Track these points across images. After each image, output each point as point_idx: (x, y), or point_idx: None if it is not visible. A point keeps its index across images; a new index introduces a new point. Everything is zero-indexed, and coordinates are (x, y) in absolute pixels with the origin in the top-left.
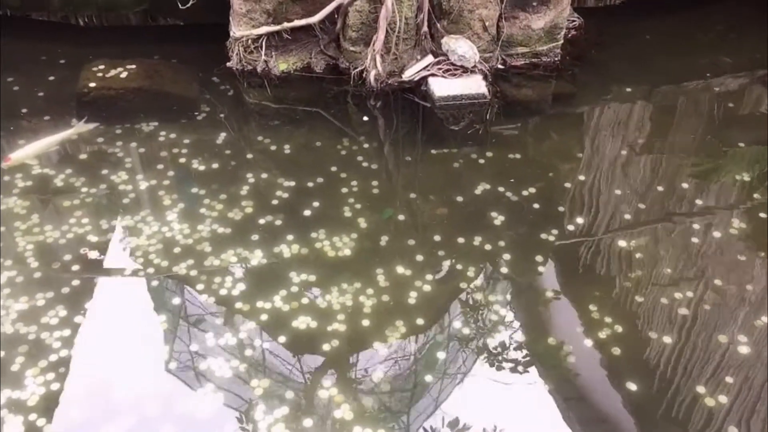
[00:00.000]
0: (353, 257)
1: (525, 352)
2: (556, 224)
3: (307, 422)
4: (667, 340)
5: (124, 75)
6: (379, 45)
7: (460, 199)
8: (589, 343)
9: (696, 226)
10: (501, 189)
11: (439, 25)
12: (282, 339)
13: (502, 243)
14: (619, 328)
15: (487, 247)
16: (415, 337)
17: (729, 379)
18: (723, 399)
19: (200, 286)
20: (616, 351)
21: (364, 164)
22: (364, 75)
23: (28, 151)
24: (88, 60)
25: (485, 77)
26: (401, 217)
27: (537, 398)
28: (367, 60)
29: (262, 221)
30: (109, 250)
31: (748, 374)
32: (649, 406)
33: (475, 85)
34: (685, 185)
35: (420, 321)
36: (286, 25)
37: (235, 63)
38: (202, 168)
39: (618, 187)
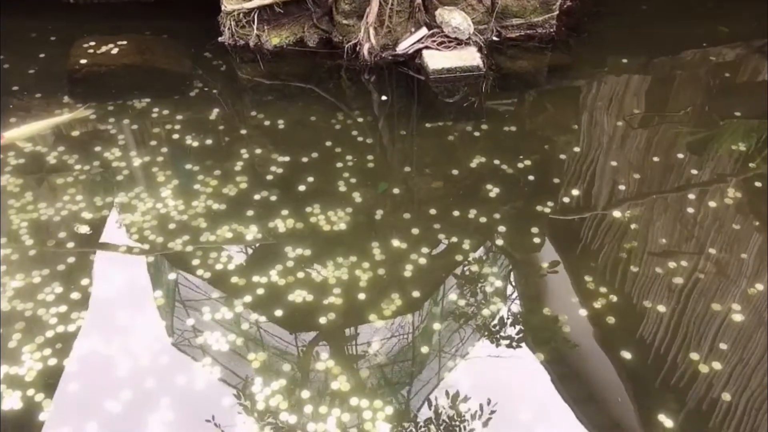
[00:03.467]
0: (348, 231)
1: (521, 322)
2: (551, 196)
3: (305, 394)
4: (662, 309)
5: (115, 51)
6: (372, 18)
7: (455, 172)
8: (584, 313)
9: (691, 196)
10: (496, 162)
11: None
12: (278, 313)
13: (497, 215)
14: (614, 298)
15: (483, 219)
16: (411, 309)
17: (723, 346)
18: (717, 365)
19: (196, 262)
20: (611, 320)
21: (359, 139)
22: (357, 49)
23: (22, 131)
24: (78, 37)
25: (480, 49)
26: (396, 191)
27: (532, 368)
28: (361, 33)
29: (256, 197)
30: (104, 227)
31: (742, 341)
32: (644, 373)
33: (469, 58)
34: (680, 155)
35: (416, 294)
36: None
37: (227, 38)
38: (195, 144)
39: (613, 159)
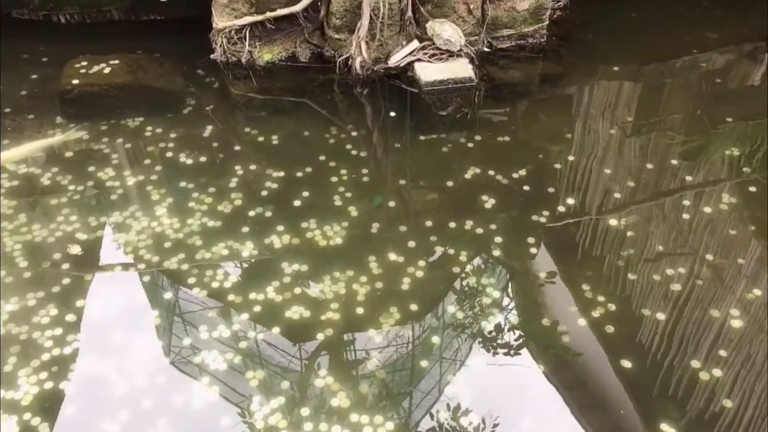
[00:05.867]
0: (345, 245)
1: (520, 333)
2: (547, 206)
3: (304, 411)
4: (661, 316)
5: (107, 71)
6: (363, 31)
7: (450, 183)
8: (582, 322)
9: (686, 202)
10: (491, 172)
11: (423, 9)
12: (276, 329)
13: (493, 226)
14: (612, 307)
15: (479, 230)
16: (410, 322)
17: (723, 353)
18: (717, 372)
19: (192, 280)
20: (610, 329)
21: (353, 152)
22: (349, 63)
23: (13, 153)
24: (70, 57)
25: (471, 61)
26: (392, 204)
27: (532, 379)
28: (352, 47)
29: (252, 213)
30: (99, 247)
31: (742, 347)
32: (645, 381)
33: (461, 69)
34: (674, 162)
35: (414, 307)
36: (269, 14)
37: (219, 55)
38: (189, 162)
39: (608, 167)
